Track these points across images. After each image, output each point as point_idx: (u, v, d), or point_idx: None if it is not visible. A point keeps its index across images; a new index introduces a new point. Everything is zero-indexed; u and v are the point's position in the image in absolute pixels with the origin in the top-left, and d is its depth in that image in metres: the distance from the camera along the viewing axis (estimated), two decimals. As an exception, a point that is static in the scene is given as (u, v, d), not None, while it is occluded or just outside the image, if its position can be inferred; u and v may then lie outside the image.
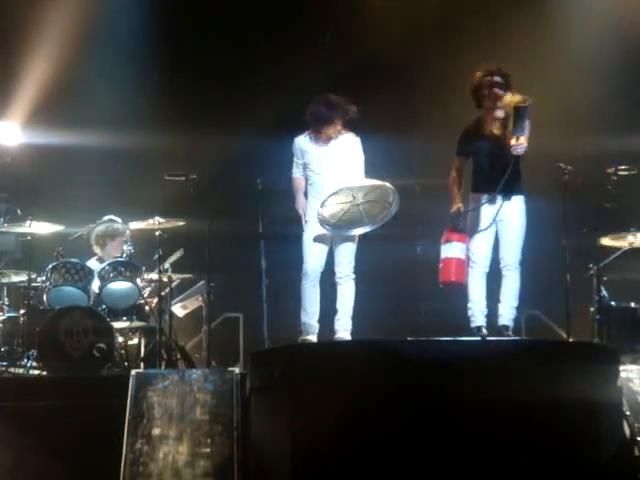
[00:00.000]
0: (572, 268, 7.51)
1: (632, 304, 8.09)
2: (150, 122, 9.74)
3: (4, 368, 7.75)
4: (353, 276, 7.55)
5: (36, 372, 7.76)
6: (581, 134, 9.40)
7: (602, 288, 7.94)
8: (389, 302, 9.46)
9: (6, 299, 8.39)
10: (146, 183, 9.60)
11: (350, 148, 7.61)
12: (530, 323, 9.03)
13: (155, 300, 8.24)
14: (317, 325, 7.56)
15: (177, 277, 8.59)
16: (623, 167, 7.79)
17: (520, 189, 7.35)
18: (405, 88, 9.93)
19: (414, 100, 9.98)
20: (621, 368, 6.57)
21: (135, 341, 8.31)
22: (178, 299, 8.85)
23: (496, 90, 7.21)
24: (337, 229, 7.43)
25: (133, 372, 6.90)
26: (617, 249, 8.28)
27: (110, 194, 9.69)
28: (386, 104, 9.58)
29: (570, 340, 7.36)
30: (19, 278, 8.45)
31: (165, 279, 8.17)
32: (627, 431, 6.42)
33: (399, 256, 9.48)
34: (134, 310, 8.20)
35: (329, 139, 7.57)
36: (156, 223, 8.20)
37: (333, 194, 7.45)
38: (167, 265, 8.26)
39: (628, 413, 6.46)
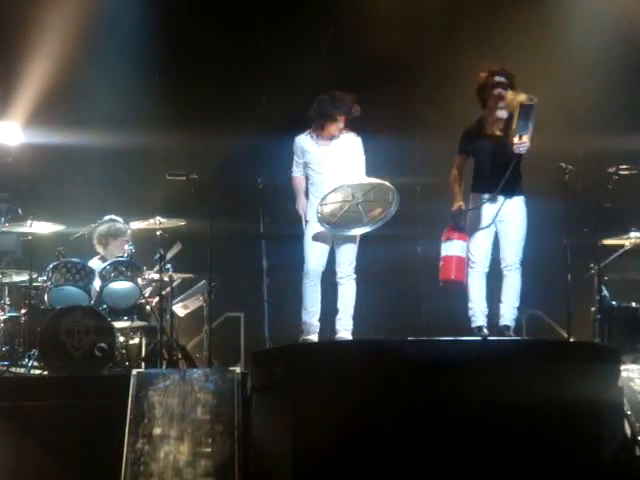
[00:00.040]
0: (573, 268, 7.51)
1: (633, 304, 8.10)
2: (151, 122, 9.74)
3: (5, 368, 7.74)
4: (354, 276, 7.56)
5: (37, 372, 7.75)
6: (582, 134, 9.41)
7: (603, 288, 7.95)
8: (390, 302, 9.46)
9: (7, 299, 8.38)
10: (147, 183, 9.62)
11: (351, 148, 7.62)
12: (531, 323, 9.03)
13: (156, 300, 8.24)
14: (318, 324, 7.57)
15: (178, 277, 8.60)
16: (624, 166, 7.80)
17: (521, 189, 7.35)
18: (405, 88, 9.93)
19: (414, 100, 9.99)
20: (622, 368, 6.59)
21: (136, 341, 8.31)
22: (179, 299, 8.86)
23: (498, 90, 7.22)
24: (337, 228, 7.44)
25: (134, 372, 6.90)
26: (618, 249, 8.29)
27: (111, 194, 9.69)
28: (386, 104, 9.58)
29: (571, 340, 7.37)
30: (20, 278, 8.44)
31: (166, 279, 8.17)
32: (628, 431, 6.42)
33: (400, 256, 9.51)
34: (135, 310, 8.20)
35: (331, 138, 7.58)
36: (157, 223, 8.20)
37: (332, 191, 7.45)
38: (167, 260, 8.23)
39: (629, 413, 6.46)
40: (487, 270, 7.36)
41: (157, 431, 6.52)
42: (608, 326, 7.86)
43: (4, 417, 6.73)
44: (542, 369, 6.14)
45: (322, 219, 7.41)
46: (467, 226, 7.37)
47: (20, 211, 8.83)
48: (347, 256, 7.54)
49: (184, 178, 7.88)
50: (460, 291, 7.42)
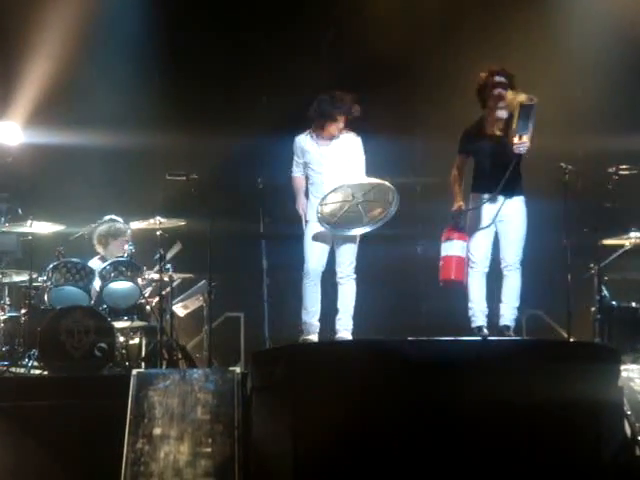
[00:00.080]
0: (573, 268, 7.51)
1: (633, 304, 8.11)
2: (151, 122, 9.74)
3: (5, 368, 7.74)
4: (354, 276, 7.56)
5: (37, 372, 7.75)
6: (582, 134, 9.41)
7: (603, 288, 7.95)
8: (390, 302, 9.46)
9: (7, 299, 8.38)
10: (147, 183, 9.62)
11: (351, 148, 7.62)
12: (531, 323, 9.03)
13: (156, 300, 8.24)
14: (318, 324, 7.57)
15: (178, 277, 8.60)
16: (624, 166, 7.80)
17: (521, 189, 7.35)
18: (405, 88, 9.93)
19: (414, 100, 9.99)
20: (622, 368, 6.59)
21: (136, 341, 8.31)
22: (179, 299, 8.86)
23: (498, 90, 7.22)
24: (336, 228, 7.44)
25: (134, 372, 6.90)
26: (618, 248, 8.28)
27: (111, 194, 9.68)
28: (387, 104, 9.58)
29: (571, 340, 7.37)
30: (20, 278, 8.44)
31: (166, 279, 8.17)
32: (628, 431, 6.42)
33: (400, 256, 9.51)
34: (135, 310, 8.19)
35: (331, 138, 7.58)
36: (157, 223, 8.20)
37: (332, 191, 7.45)
38: (167, 260, 8.23)
39: (629, 413, 6.46)
40: (487, 270, 7.36)
41: (157, 431, 6.52)
42: (608, 326, 7.86)
43: (4, 417, 6.73)
44: (542, 369, 6.14)
45: (322, 219, 7.41)
46: (467, 226, 7.37)
47: (20, 211, 8.83)
48: (347, 256, 7.54)
49: (184, 178, 7.88)
50: (460, 291, 7.42)
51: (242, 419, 6.56)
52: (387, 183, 7.47)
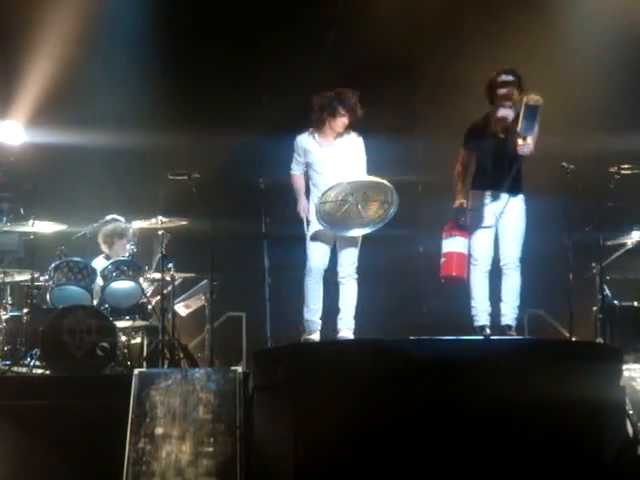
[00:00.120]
0: (575, 267, 7.51)
1: (635, 303, 8.12)
2: (152, 121, 9.74)
3: (7, 367, 7.74)
4: (356, 276, 7.57)
5: (39, 371, 7.74)
6: (583, 133, 9.41)
7: (605, 287, 7.94)
8: (392, 301, 9.46)
9: (9, 298, 8.37)
10: (148, 182, 9.58)
11: (353, 148, 7.62)
12: (533, 322, 9.03)
13: (158, 299, 8.24)
14: (320, 322, 7.59)
15: (180, 276, 8.60)
16: (626, 166, 7.79)
17: (520, 188, 7.36)
18: (407, 87, 9.94)
19: (415, 100, 9.99)
20: (624, 367, 6.59)
21: (138, 340, 8.31)
22: (181, 298, 8.86)
23: (504, 90, 7.22)
24: (335, 228, 7.44)
25: (136, 371, 6.89)
26: (620, 248, 8.29)
27: (113, 193, 9.69)
28: (388, 103, 9.57)
29: (573, 339, 7.38)
30: (22, 277, 8.44)
31: (168, 278, 8.17)
32: (630, 430, 6.42)
33: (401, 255, 9.51)
34: (137, 309, 8.18)
35: (334, 137, 7.57)
36: (159, 222, 8.20)
37: (330, 189, 7.42)
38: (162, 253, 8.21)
39: (631, 412, 6.46)
40: (489, 268, 7.36)
41: (159, 431, 6.52)
42: (610, 325, 7.86)
43: (5, 417, 6.73)
44: (544, 369, 6.14)
45: (321, 218, 7.41)
46: (469, 224, 7.37)
47: (22, 210, 8.82)
48: (349, 257, 7.55)
49: (186, 177, 7.87)
50: (462, 290, 7.42)
51: (244, 418, 6.55)
52: (387, 183, 7.46)
